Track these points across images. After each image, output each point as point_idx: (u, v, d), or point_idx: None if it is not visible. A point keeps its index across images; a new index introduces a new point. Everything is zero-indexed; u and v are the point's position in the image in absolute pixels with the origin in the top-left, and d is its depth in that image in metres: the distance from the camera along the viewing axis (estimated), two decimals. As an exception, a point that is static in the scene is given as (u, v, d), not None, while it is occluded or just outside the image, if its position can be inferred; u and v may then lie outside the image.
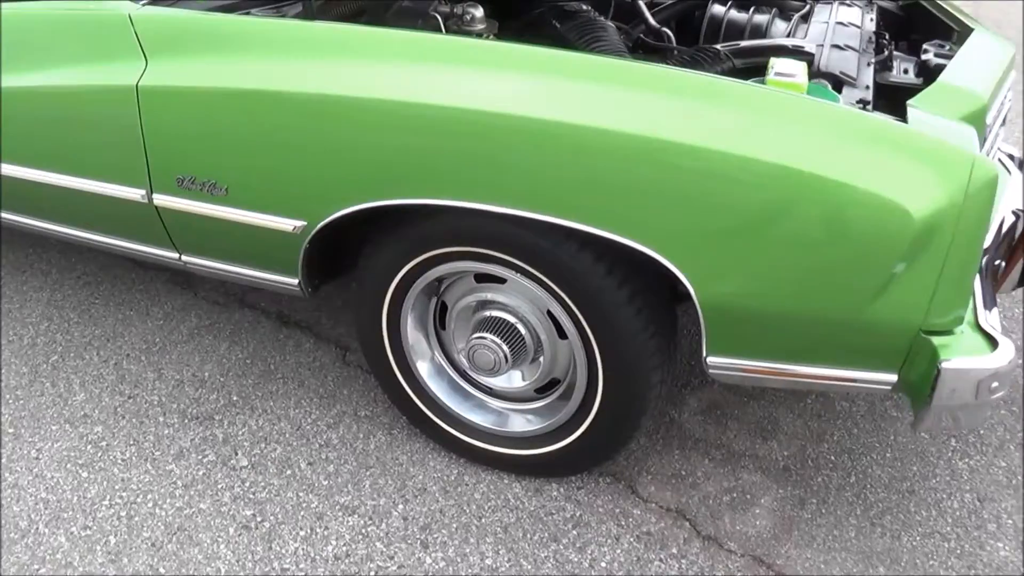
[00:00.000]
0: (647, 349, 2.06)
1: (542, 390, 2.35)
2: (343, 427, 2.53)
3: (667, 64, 2.18)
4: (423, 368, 2.37)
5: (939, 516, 2.34)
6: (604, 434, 2.23)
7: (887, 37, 2.56)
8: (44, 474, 2.39)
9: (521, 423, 2.33)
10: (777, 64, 1.93)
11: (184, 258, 2.47)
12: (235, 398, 2.62)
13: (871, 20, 2.64)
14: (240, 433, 2.51)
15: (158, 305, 3.03)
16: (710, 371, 2.00)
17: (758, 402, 2.65)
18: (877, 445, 2.55)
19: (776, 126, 1.75)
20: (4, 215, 2.75)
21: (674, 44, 2.49)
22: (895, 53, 2.48)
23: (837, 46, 2.36)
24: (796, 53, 2.24)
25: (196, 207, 2.26)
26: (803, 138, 1.73)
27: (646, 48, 2.54)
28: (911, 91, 2.12)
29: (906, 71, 2.39)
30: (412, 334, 2.34)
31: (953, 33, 2.57)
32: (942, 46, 2.42)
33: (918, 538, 2.28)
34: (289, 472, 2.39)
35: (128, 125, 2.25)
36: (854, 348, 1.87)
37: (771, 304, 1.83)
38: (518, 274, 2.08)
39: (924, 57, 2.36)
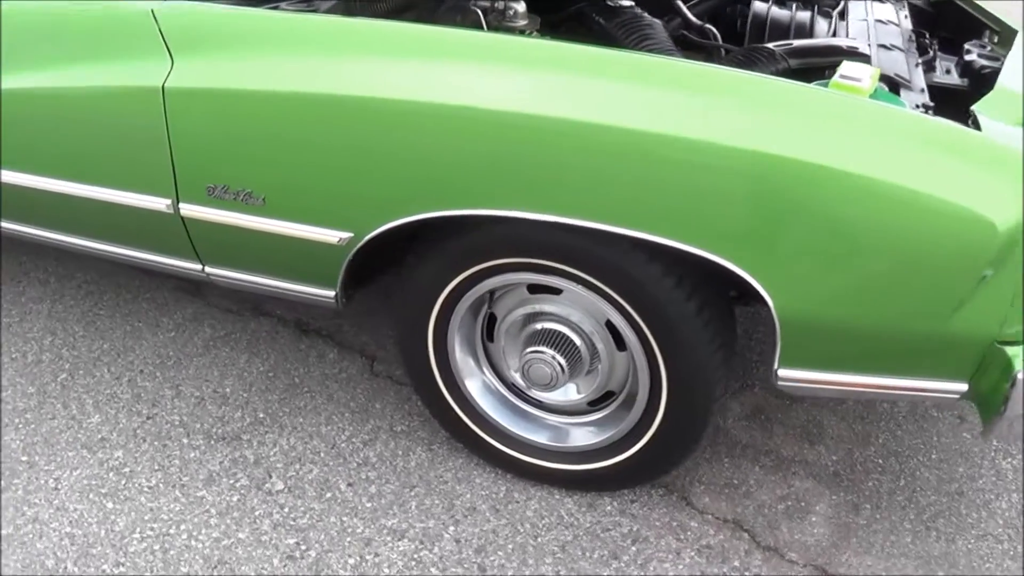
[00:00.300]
0: (713, 361, 1.95)
1: (595, 403, 2.21)
2: (380, 444, 2.35)
3: (718, 63, 2.06)
4: (473, 386, 2.21)
5: (990, 518, 2.26)
6: (665, 447, 2.11)
7: (927, 35, 2.43)
8: (66, 506, 2.18)
9: (582, 436, 2.19)
10: (845, 67, 1.80)
11: (208, 270, 2.26)
12: (261, 415, 2.43)
13: (905, 17, 2.51)
14: (272, 454, 2.32)
15: (168, 315, 2.81)
16: (780, 383, 1.88)
17: (801, 405, 2.53)
18: (922, 446, 2.46)
19: (850, 134, 1.65)
20: (3, 224, 2.51)
21: (720, 42, 2.32)
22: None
23: (884, 46, 2.22)
24: (850, 54, 2.09)
25: (228, 218, 2.07)
26: (882, 147, 1.63)
27: (689, 45, 2.37)
28: (956, 93, 2.06)
29: (948, 71, 2.27)
30: (460, 349, 2.17)
31: (984, 31, 2.44)
32: (983, 46, 2.30)
33: (972, 541, 2.20)
34: (329, 495, 2.21)
35: (152, 130, 2.04)
36: (928, 359, 1.78)
37: (850, 317, 1.73)
38: (577, 284, 1.94)
39: (968, 58, 2.23)
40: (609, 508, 2.23)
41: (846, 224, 1.65)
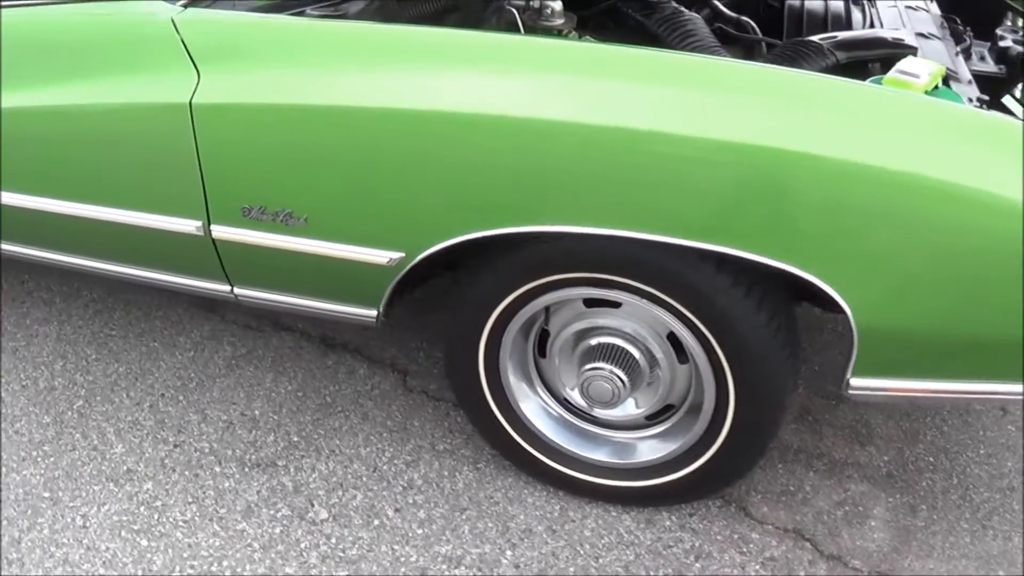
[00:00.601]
0: (784, 369, 1.84)
1: (653, 417, 2.08)
2: (423, 464, 2.20)
3: (764, 60, 1.95)
4: (528, 408, 2.09)
5: (1043, 512, 2.12)
6: (732, 459, 1.99)
7: (958, 21, 2.30)
8: (97, 545, 2.02)
9: (647, 451, 2.06)
10: (903, 62, 1.71)
11: (237, 291, 2.09)
12: (295, 439, 2.27)
13: (932, 1, 2.38)
14: (311, 480, 2.16)
15: (184, 334, 2.63)
16: (850, 393, 1.78)
17: (846, 404, 2.43)
18: (969, 442, 2.37)
19: (916, 134, 1.56)
20: (13, 248, 2.31)
21: (760, 35, 2.17)
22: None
23: (921, 35, 2.09)
24: (896, 46, 1.96)
25: (265, 239, 1.91)
26: (949, 147, 1.54)
27: (727, 39, 2.23)
28: (993, 80, 1.97)
29: (983, 58, 2.14)
30: (512, 369, 2.05)
31: (1007, 13, 2.32)
32: (1015, 31, 2.18)
33: (1029, 537, 2.06)
34: (377, 522, 2.07)
35: (180, 149, 1.87)
36: (1003, 363, 1.69)
37: (931, 324, 1.64)
38: (638, 297, 1.82)
39: (1002, 44, 2.11)
40: (668, 523, 2.11)
41: (924, 229, 1.55)
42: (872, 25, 2.24)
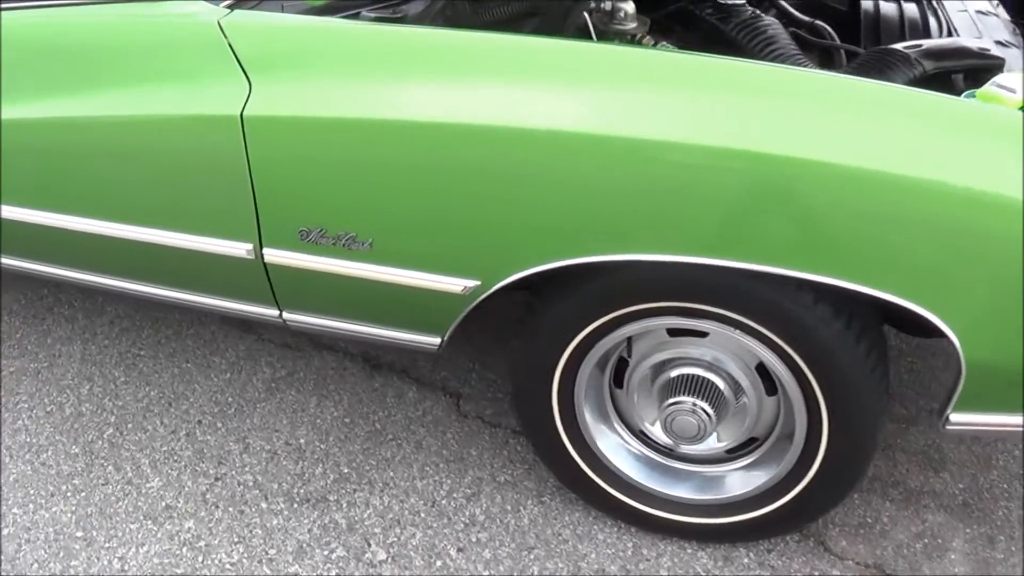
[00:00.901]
0: (878, 403, 1.68)
1: (734, 451, 1.91)
2: (485, 498, 2.01)
3: (840, 68, 1.80)
4: (605, 444, 1.92)
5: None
6: (820, 495, 1.82)
7: None
8: (139, 593, 1.80)
9: (736, 485, 1.89)
10: (1002, 76, 1.55)
11: (286, 316, 1.88)
12: (346, 470, 2.07)
13: (997, 5, 2.19)
14: (365, 516, 1.97)
15: (218, 353, 2.42)
16: (948, 428, 1.64)
17: (917, 427, 2.25)
18: (1043, 467, 2.17)
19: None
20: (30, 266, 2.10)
21: (837, 41, 1.97)
22: None
23: (999, 42, 1.90)
24: (982, 57, 1.78)
25: (324, 264, 1.71)
26: None
27: (803, 45, 2.02)
28: None
29: None
30: (588, 403, 1.87)
31: None
32: None
33: (1110, 565, 1.92)
34: (439, 563, 1.88)
35: (229, 165, 1.68)
36: None
37: None
38: (727, 327, 1.65)
39: None
40: (747, 560, 1.95)
41: None
42: (949, 32, 2.04)
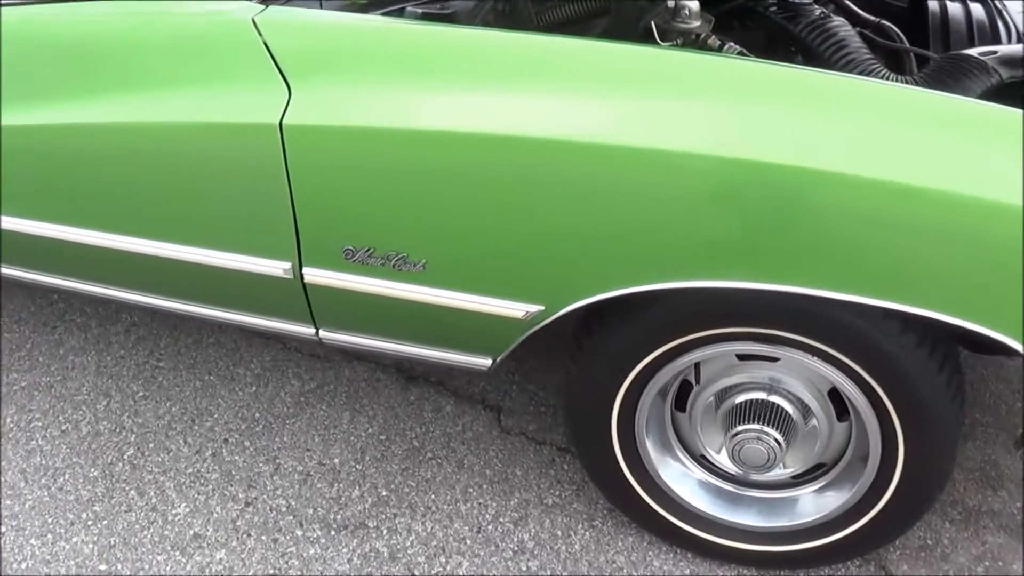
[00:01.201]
0: (957, 432, 1.56)
1: (798, 477, 1.76)
2: (533, 523, 1.85)
3: (910, 75, 1.64)
4: (668, 474, 1.77)
5: None
6: (890, 522, 1.69)
7: None
8: (171, 633, 1.64)
9: (806, 511, 1.74)
10: None
11: (323, 334, 1.71)
12: (384, 493, 1.91)
13: None
14: (408, 544, 1.82)
15: (242, 364, 2.25)
16: None
17: (973, 442, 2.13)
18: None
19: None
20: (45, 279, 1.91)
21: (906, 43, 1.79)
22: None
23: None
24: None
25: (370, 285, 1.54)
26: None
27: (870, 47, 1.84)
28: None
29: None
30: (650, 432, 1.73)
31: None
32: None
33: None
34: (490, 596, 1.71)
35: (266, 178, 1.50)
36: None
37: None
38: (799, 351, 1.51)
39: None
40: (811, 587, 1.76)
41: None
42: (1019, 37, 1.86)
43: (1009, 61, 1.63)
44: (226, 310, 1.83)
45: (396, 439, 2.08)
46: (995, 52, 1.66)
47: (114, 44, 1.61)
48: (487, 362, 1.70)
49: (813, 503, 1.75)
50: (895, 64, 1.84)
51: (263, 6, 1.54)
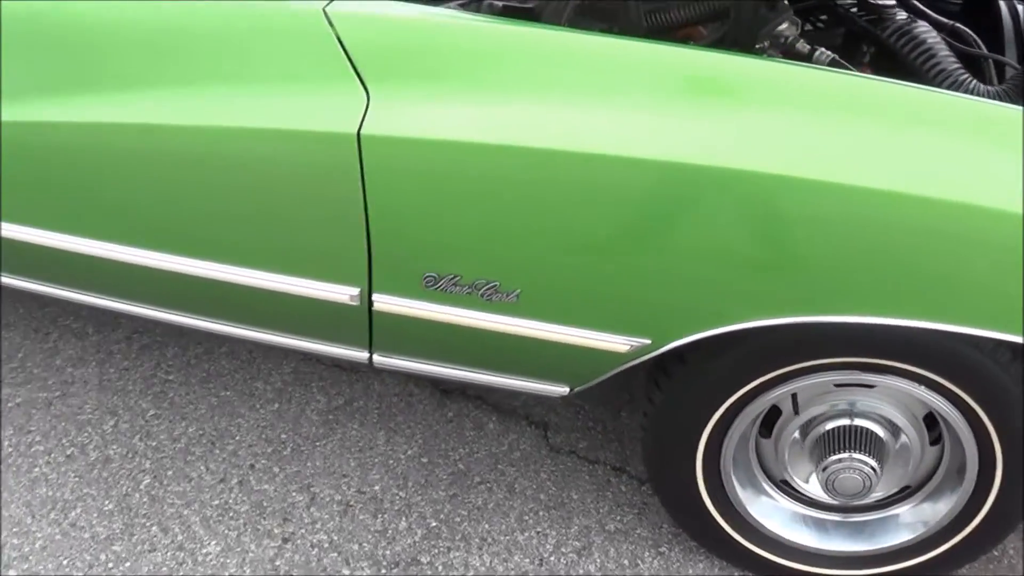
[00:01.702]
0: None
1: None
2: (596, 551, 1.69)
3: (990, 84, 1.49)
4: (757, 510, 1.61)
5: None
6: (975, 546, 1.60)
7: None
8: None
9: (897, 534, 1.60)
10: None
11: (377, 359, 1.50)
12: (433, 523, 1.71)
13: None
14: (466, 582, 1.62)
15: (260, 378, 2.01)
16: None
17: None
18: None
19: None
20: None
21: (984, 50, 1.62)
22: None
23: None
24: None
25: (454, 316, 1.35)
26: None
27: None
28: None
29: None
30: (736, 466, 1.57)
31: None
32: None
33: None
34: (561, 639, 1.54)
35: (339, 195, 1.30)
36: None
37: None
38: (897, 377, 1.38)
39: None
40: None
41: None
42: None
43: None
44: (268, 331, 1.59)
45: (439, 461, 1.88)
46: None
47: (165, 33, 1.35)
48: (564, 390, 1.51)
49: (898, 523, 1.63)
50: (975, 71, 1.67)
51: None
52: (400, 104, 1.27)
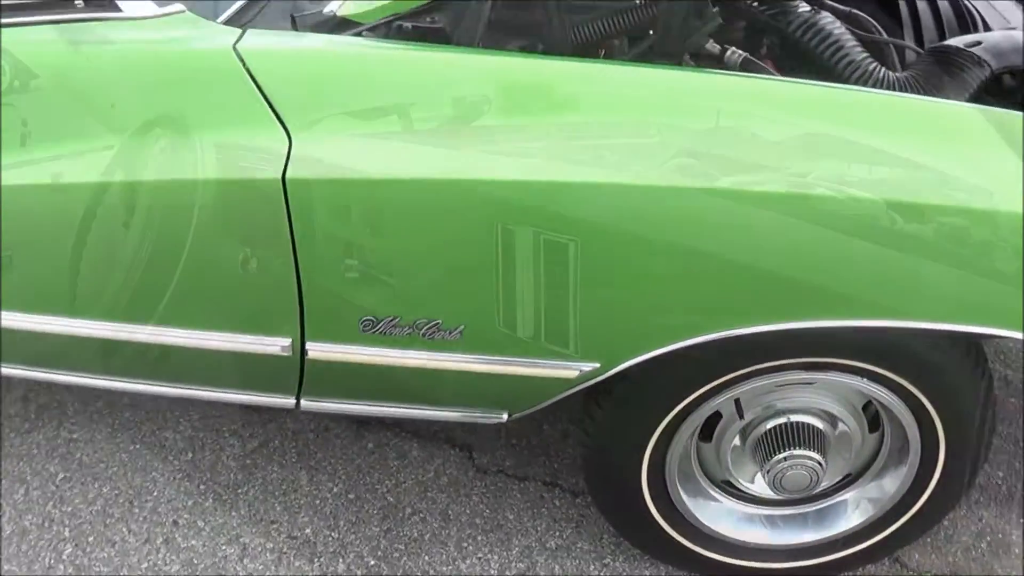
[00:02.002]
0: (991, 438, 1.53)
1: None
2: (541, 570, 1.71)
3: (894, 67, 1.55)
4: (704, 515, 1.61)
5: None
6: (911, 532, 1.64)
7: None
8: None
9: (855, 516, 1.62)
10: None
11: (305, 403, 1.44)
12: (371, 561, 1.68)
13: None
14: (413, 618, 1.58)
15: (168, 427, 1.93)
16: None
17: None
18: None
19: None
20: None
21: (884, 35, 1.67)
22: None
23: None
24: None
25: (392, 357, 1.29)
26: None
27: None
28: None
29: None
30: (680, 473, 1.56)
31: None
32: None
33: None
34: (516, 664, 1.52)
35: (264, 244, 1.21)
36: None
37: None
38: (838, 373, 1.40)
39: None
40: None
41: None
42: (984, 25, 1.78)
43: (995, 51, 1.53)
44: (185, 386, 1.49)
45: (367, 496, 1.82)
46: (980, 43, 1.56)
47: (70, 85, 1.24)
48: (503, 417, 1.48)
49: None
50: (879, 57, 1.71)
51: (239, 30, 1.22)
52: (322, 144, 1.21)
